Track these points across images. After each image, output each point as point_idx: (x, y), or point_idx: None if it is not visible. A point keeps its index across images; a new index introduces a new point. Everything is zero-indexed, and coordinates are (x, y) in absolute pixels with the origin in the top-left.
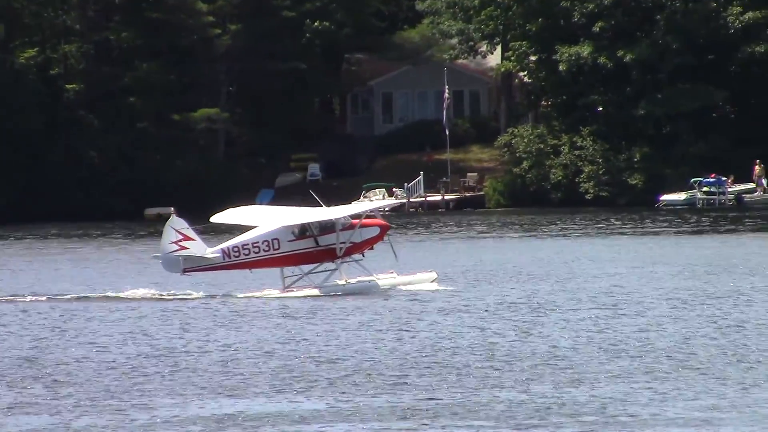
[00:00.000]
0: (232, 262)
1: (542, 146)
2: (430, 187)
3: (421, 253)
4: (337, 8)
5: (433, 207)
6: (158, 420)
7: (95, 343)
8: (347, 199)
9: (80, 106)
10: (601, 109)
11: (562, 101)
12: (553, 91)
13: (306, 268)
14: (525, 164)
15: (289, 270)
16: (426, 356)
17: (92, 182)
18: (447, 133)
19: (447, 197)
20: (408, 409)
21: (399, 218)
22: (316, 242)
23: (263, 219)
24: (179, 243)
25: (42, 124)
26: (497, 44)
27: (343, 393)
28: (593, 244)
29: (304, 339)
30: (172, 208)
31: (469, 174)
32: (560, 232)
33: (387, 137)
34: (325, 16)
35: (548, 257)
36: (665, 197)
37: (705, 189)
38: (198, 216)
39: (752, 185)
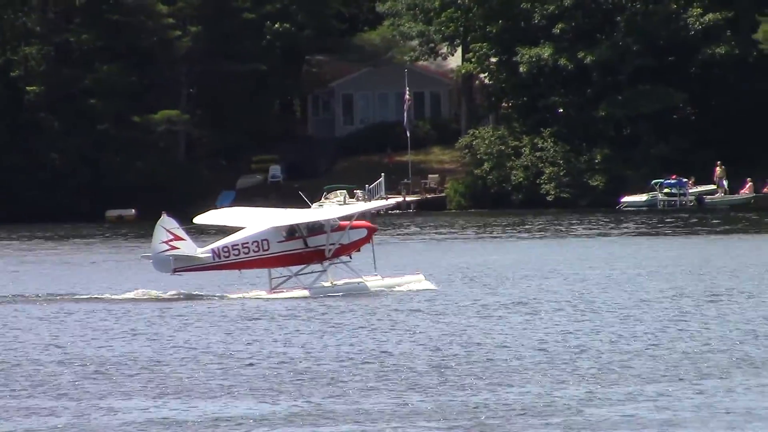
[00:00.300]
0: (222, 262)
1: (503, 148)
2: (392, 188)
3: (387, 255)
4: (297, 10)
5: (394, 208)
6: (116, 422)
7: (55, 344)
8: (309, 201)
9: (41, 108)
10: (561, 110)
11: (523, 103)
12: (514, 93)
13: (294, 269)
14: (486, 166)
15: (276, 271)
16: (376, 358)
17: (53, 184)
18: (408, 134)
19: (408, 199)
20: (357, 412)
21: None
22: (305, 243)
23: (251, 220)
24: (170, 243)
25: (3, 127)
26: (458, 46)
27: (289, 396)
28: (553, 246)
29: (257, 341)
30: (133, 210)
31: (430, 175)
32: (523, 234)
33: (348, 139)
34: (286, 17)
35: (512, 259)
36: (626, 199)
37: (666, 190)
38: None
39: (713, 186)
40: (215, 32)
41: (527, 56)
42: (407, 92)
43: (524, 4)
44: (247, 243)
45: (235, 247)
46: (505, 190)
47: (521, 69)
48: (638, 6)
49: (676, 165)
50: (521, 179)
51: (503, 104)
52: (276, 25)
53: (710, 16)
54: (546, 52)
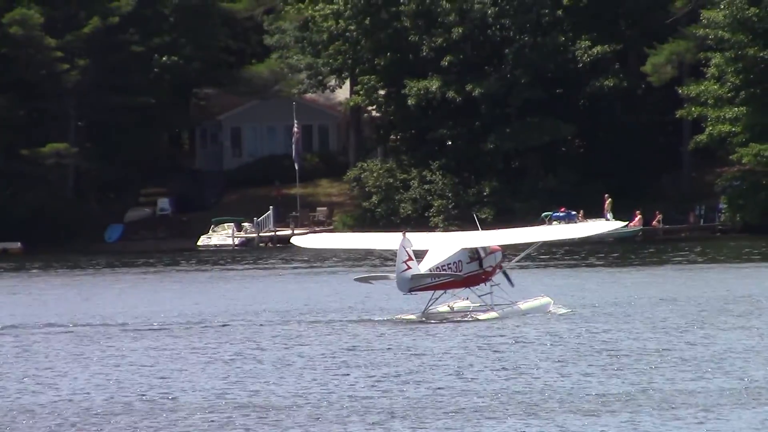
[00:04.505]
0: (436, 282)
1: (391, 180)
2: (280, 221)
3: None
4: (185, 43)
5: (283, 241)
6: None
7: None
8: (197, 234)
9: None
10: (450, 143)
11: (411, 135)
12: (402, 126)
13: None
14: (374, 198)
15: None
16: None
17: None
18: (296, 167)
19: (297, 231)
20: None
21: (251, 252)
22: (480, 265)
23: (436, 242)
24: (407, 263)
25: None
26: (346, 78)
27: None
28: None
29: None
30: (19, 243)
31: (318, 208)
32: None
33: (236, 172)
34: (174, 50)
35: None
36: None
37: (555, 223)
38: (48, 250)
39: (602, 220)
40: (103, 65)
41: (415, 89)
42: (296, 125)
43: (412, 37)
44: (450, 264)
45: (442, 268)
46: (393, 223)
47: (409, 101)
48: (526, 38)
49: (565, 197)
50: (410, 212)
51: (392, 137)
52: (164, 58)
53: (599, 48)
54: (434, 84)
